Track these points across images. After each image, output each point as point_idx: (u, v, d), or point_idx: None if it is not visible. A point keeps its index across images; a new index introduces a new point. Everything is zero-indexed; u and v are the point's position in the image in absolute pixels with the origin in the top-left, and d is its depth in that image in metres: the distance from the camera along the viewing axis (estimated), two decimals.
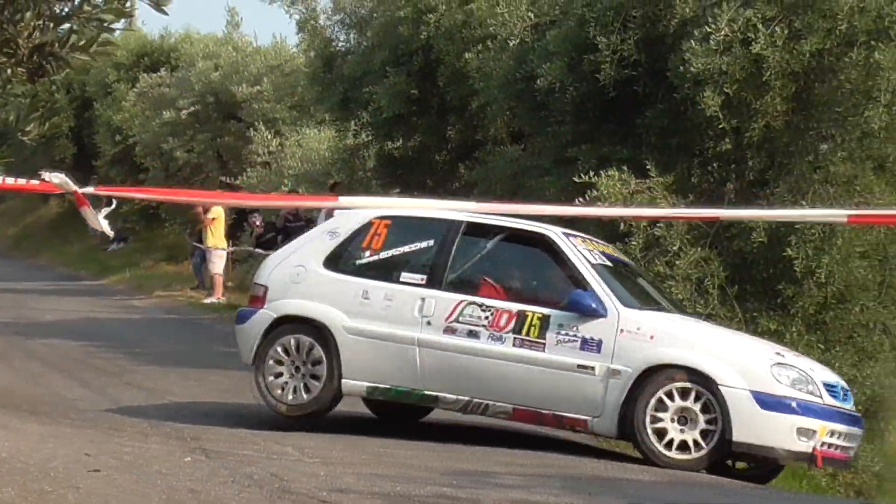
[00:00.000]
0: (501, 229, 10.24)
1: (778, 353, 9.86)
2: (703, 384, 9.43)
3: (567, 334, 9.70)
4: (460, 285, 10.09)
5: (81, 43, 7.00)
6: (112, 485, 6.92)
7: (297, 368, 10.30)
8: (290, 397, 10.30)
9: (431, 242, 10.25)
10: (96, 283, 27.36)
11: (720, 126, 12.45)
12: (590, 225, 12.03)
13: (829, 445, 9.55)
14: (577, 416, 9.68)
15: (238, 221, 24.17)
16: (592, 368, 9.62)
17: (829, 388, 9.71)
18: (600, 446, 10.86)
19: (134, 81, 30.46)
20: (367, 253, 10.38)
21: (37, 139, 7.37)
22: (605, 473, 9.04)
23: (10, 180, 10.64)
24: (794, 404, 9.42)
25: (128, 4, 7.14)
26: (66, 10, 7.00)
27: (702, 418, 9.41)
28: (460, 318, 9.94)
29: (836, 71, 12.53)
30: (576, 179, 12.71)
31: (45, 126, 7.21)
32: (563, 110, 13.81)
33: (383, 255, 10.34)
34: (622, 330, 9.63)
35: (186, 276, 25.45)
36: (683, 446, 9.43)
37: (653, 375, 9.50)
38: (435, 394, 10.01)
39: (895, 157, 12.83)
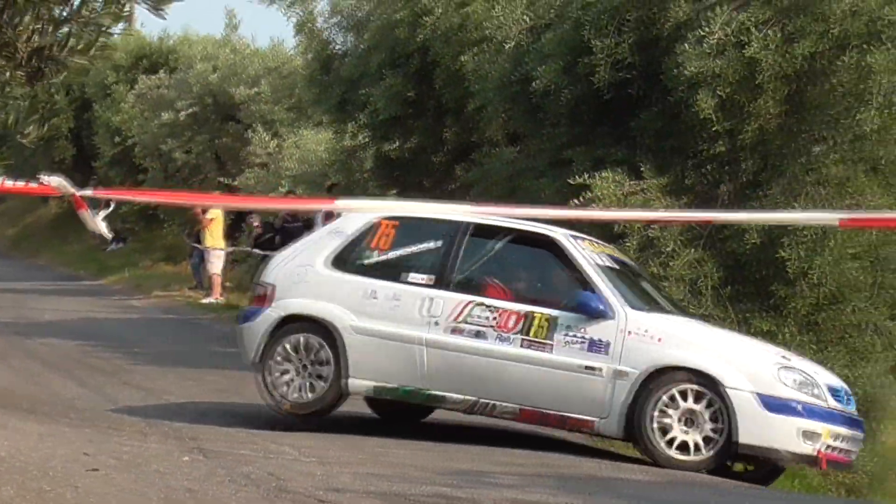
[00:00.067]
0: (508, 231, 10.28)
1: (783, 356, 9.93)
2: (709, 386, 9.50)
3: (574, 336, 9.77)
4: (467, 286, 10.15)
5: (80, 46, 7.03)
6: (110, 484, 6.93)
7: (304, 367, 10.35)
8: (294, 396, 10.35)
9: (439, 243, 10.31)
10: (95, 283, 27.37)
11: (714, 128, 12.51)
12: (585, 225, 12.07)
13: (833, 448, 9.63)
14: (584, 417, 9.74)
15: (236, 222, 24.20)
16: (599, 370, 9.68)
17: (833, 391, 9.79)
18: (598, 446, 10.89)
19: (133, 83, 30.50)
20: (375, 253, 10.44)
21: (36, 141, 7.41)
22: (603, 473, 9.07)
23: (9, 183, 10.68)
24: (798, 407, 9.50)
25: (126, 8, 7.19)
26: (65, 13, 7.04)
27: (708, 420, 9.47)
28: (467, 319, 10.00)
29: (829, 74, 12.58)
30: (571, 181, 12.77)
31: (44, 128, 7.25)
32: (558, 112, 13.86)
33: (391, 255, 10.40)
34: (629, 332, 9.69)
35: (185, 276, 25.48)
36: (689, 448, 9.49)
37: (659, 377, 9.57)
38: (441, 394, 10.06)
39: (888, 159, 12.87)
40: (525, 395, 9.84)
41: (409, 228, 10.47)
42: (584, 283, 9.93)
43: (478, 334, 9.96)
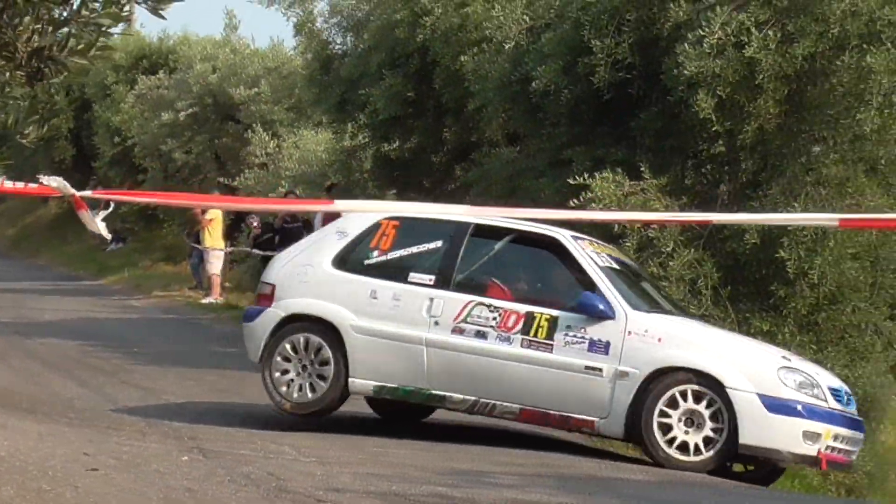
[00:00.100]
0: (510, 231, 10.28)
1: (784, 357, 9.94)
2: (710, 387, 9.50)
3: (575, 336, 9.78)
4: (469, 286, 10.16)
5: (80, 47, 7.02)
6: (110, 484, 6.94)
7: (305, 367, 10.35)
8: (296, 395, 10.37)
9: (440, 243, 10.31)
10: (95, 283, 27.38)
11: (713, 128, 12.52)
12: (584, 225, 12.08)
13: (834, 449, 9.64)
14: (585, 417, 9.74)
15: (236, 222, 24.20)
16: (600, 370, 9.68)
17: (834, 391, 9.80)
18: (597, 446, 10.90)
19: (133, 83, 30.49)
20: (376, 253, 10.44)
21: (36, 141, 7.40)
22: (603, 473, 9.09)
23: (8, 184, 10.67)
24: (800, 408, 9.50)
25: (125, 9, 7.18)
26: (65, 14, 7.03)
27: (709, 421, 9.48)
28: (468, 319, 10.01)
29: (828, 74, 12.60)
30: (571, 181, 12.78)
31: (44, 128, 7.23)
32: (558, 112, 13.87)
33: (392, 255, 10.40)
34: (630, 332, 9.70)
35: (184, 276, 25.50)
36: (691, 448, 9.49)
37: (661, 378, 9.58)
38: (442, 393, 10.07)
39: (887, 159, 12.90)
40: (526, 395, 9.85)
41: (410, 228, 10.47)
42: (587, 284, 9.93)
43: (479, 334, 9.96)
